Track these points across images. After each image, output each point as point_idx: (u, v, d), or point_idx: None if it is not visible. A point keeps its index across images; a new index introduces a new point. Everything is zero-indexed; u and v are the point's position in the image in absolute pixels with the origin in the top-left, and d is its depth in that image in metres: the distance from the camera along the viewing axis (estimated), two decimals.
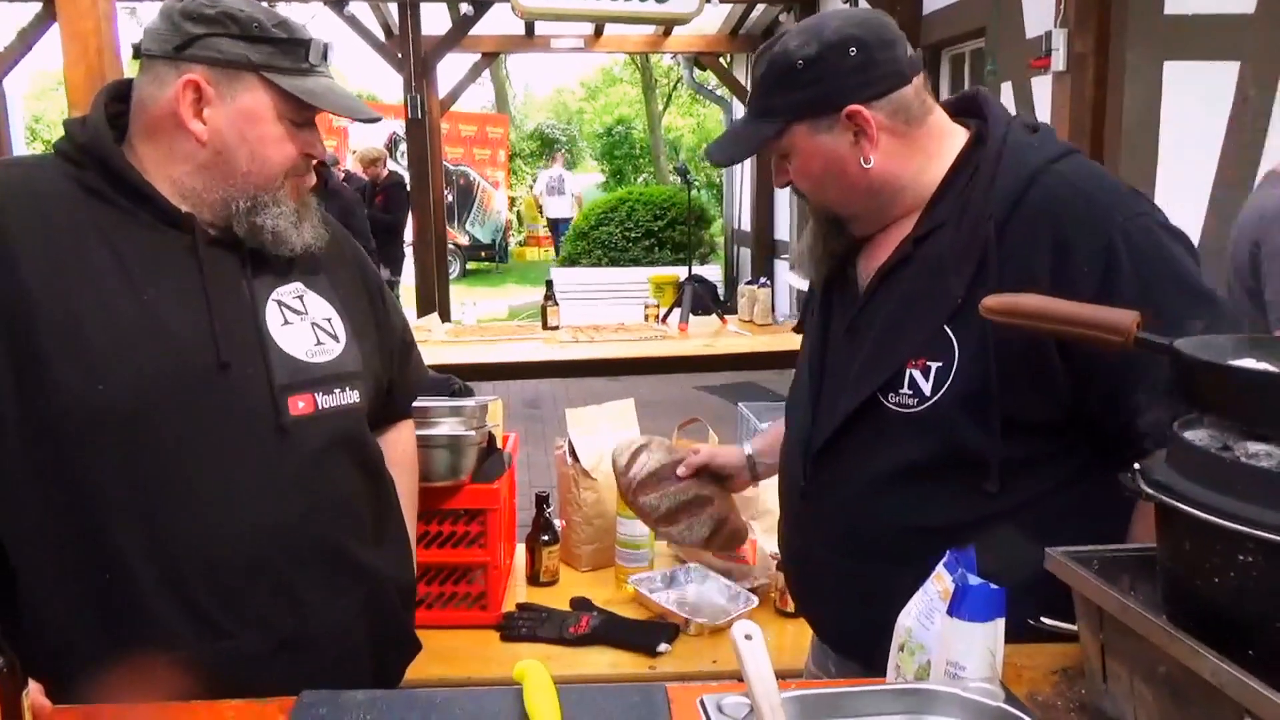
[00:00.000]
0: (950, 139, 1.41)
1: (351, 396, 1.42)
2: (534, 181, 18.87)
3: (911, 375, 1.33)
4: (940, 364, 1.31)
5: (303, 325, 1.40)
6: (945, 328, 1.32)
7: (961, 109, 1.47)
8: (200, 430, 1.29)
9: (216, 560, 1.29)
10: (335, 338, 1.43)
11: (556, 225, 17.97)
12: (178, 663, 1.25)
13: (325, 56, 1.38)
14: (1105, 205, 1.30)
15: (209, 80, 1.31)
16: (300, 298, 1.42)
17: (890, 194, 1.41)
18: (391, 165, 10.63)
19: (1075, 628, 1.13)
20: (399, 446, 1.67)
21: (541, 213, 18.13)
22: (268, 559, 1.32)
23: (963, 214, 1.34)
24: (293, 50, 1.34)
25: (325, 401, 1.38)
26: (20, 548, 1.26)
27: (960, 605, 1.06)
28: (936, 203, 1.39)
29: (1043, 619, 1.19)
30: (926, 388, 1.32)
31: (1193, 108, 3.71)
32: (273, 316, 1.37)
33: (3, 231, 1.25)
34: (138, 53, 1.36)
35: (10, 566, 1.26)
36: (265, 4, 1.38)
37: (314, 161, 1.42)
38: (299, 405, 1.35)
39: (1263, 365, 0.93)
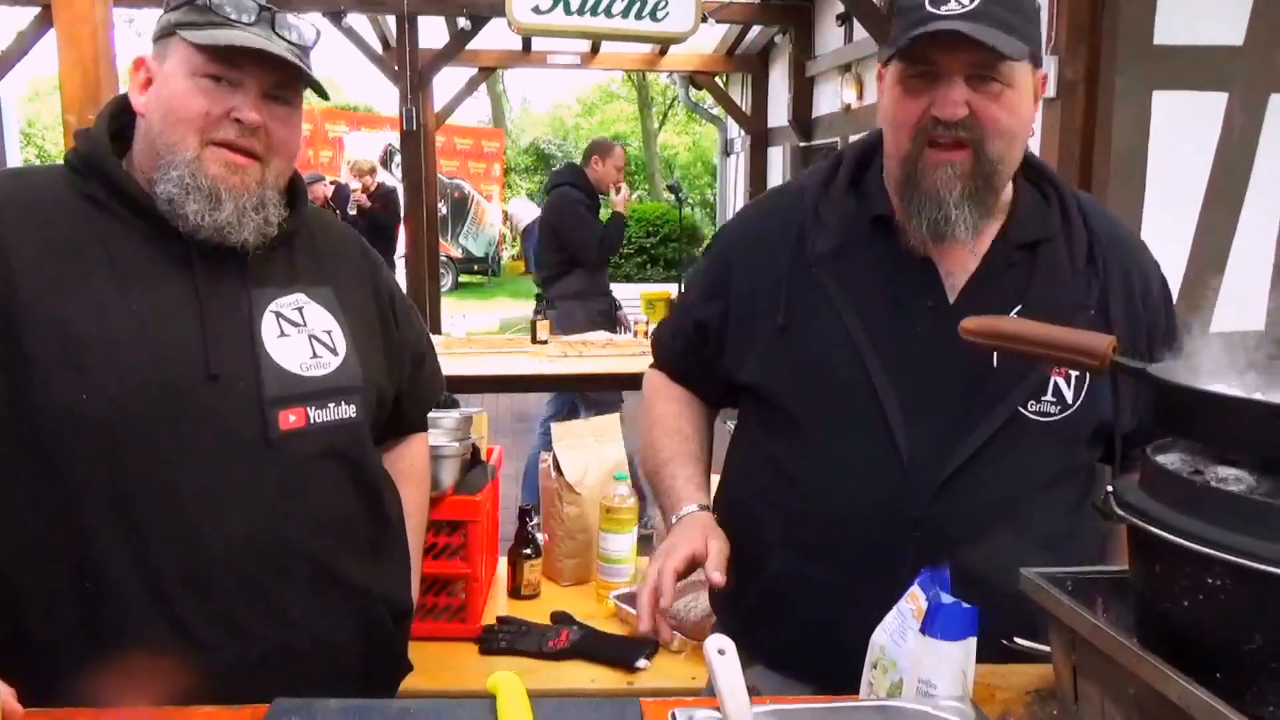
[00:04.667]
0: None
1: (347, 411, 1.40)
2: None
3: (1056, 383, 1.34)
4: (1078, 372, 1.34)
5: (299, 338, 1.38)
6: None
7: None
8: (185, 441, 1.28)
9: (198, 571, 1.28)
10: (334, 351, 1.41)
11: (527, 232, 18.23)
12: (158, 671, 1.24)
13: (259, 18, 1.31)
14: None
15: (154, 56, 1.33)
16: (300, 309, 1.41)
17: (1011, 176, 1.40)
18: (383, 174, 10.80)
19: (1048, 648, 1.14)
20: (407, 459, 1.65)
21: (508, 219, 18.35)
22: (250, 571, 1.31)
23: (1066, 229, 1.39)
24: (202, 5, 1.29)
25: (318, 415, 1.37)
26: (4, 550, 1.26)
27: (933, 624, 1.06)
28: (1019, 216, 1.41)
29: (1016, 639, 1.20)
30: (1069, 394, 1.35)
31: (1181, 136, 3.73)
32: (268, 328, 1.36)
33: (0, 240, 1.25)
34: None
35: None
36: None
37: (240, 125, 1.30)
38: (289, 419, 1.34)
39: (1233, 390, 0.94)
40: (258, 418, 1.32)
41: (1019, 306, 1.35)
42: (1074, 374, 1.35)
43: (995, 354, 1.33)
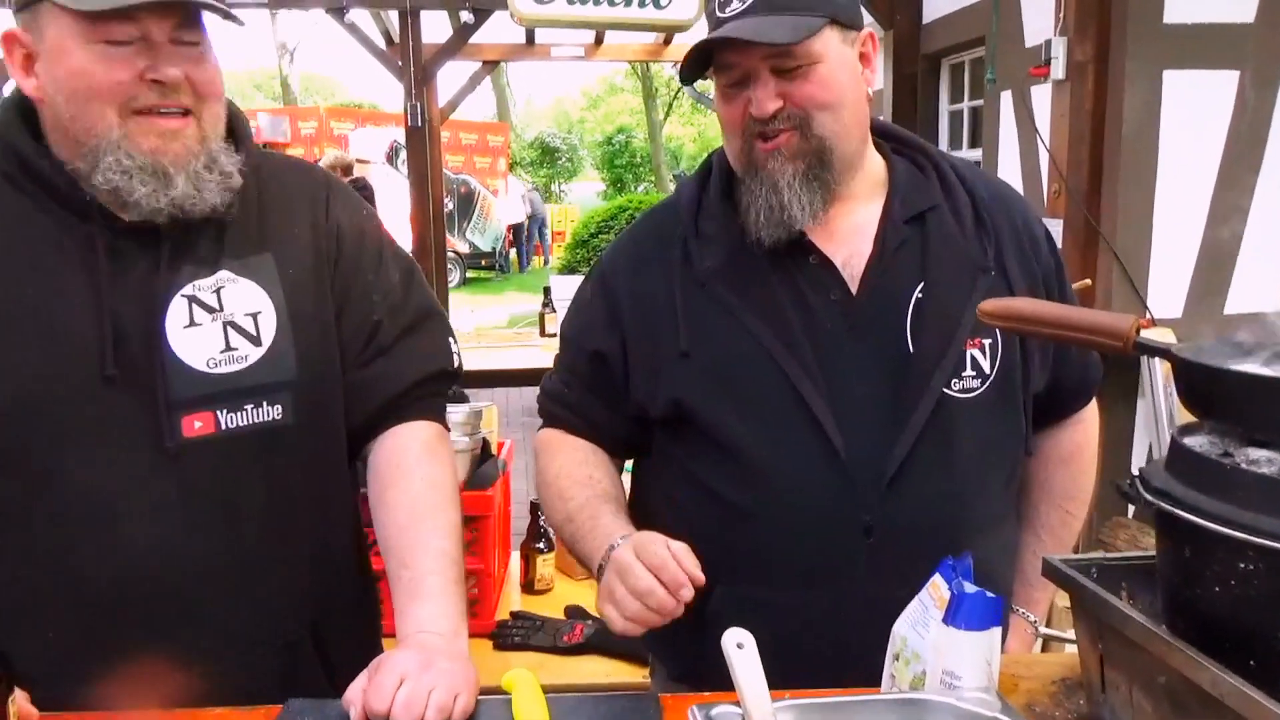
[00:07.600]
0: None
1: (270, 413, 1.21)
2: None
3: (972, 355, 1.32)
4: (990, 340, 1.32)
5: (213, 327, 1.19)
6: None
7: None
8: (79, 451, 1.14)
9: (83, 598, 1.15)
10: (255, 340, 1.21)
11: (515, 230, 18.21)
12: (40, 703, 1.09)
13: None
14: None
15: (24, 28, 1.14)
16: (219, 291, 1.21)
17: (862, 146, 1.36)
18: (389, 171, 10.75)
19: (1074, 637, 1.12)
20: (396, 454, 1.32)
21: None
22: (144, 602, 1.16)
23: (948, 195, 1.36)
24: None
25: (230, 420, 1.19)
26: None
27: (956, 614, 1.04)
28: (898, 190, 1.37)
29: (1040, 627, 1.18)
30: (986, 365, 1.32)
31: (1192, 116, 3.69)
32: (175, 317, 1.17)
33: None
34: None
35: None
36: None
37: (162, 85, 1.14)
38: (195, 425, 1.16)
39: (1264, 370, 0.92)
40: (155, 425, 1.15)
41: (921, 284, 1.31)
42: (987, 343, 1.32)
43: (911, 337, 1.29)
